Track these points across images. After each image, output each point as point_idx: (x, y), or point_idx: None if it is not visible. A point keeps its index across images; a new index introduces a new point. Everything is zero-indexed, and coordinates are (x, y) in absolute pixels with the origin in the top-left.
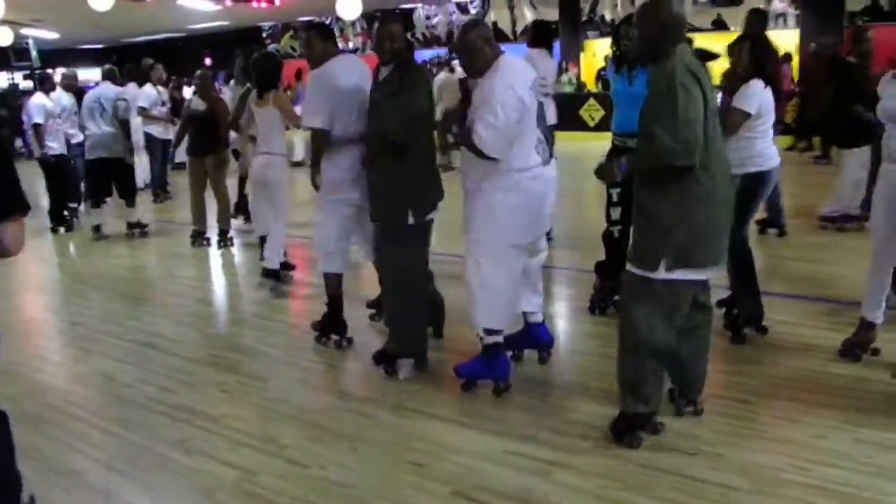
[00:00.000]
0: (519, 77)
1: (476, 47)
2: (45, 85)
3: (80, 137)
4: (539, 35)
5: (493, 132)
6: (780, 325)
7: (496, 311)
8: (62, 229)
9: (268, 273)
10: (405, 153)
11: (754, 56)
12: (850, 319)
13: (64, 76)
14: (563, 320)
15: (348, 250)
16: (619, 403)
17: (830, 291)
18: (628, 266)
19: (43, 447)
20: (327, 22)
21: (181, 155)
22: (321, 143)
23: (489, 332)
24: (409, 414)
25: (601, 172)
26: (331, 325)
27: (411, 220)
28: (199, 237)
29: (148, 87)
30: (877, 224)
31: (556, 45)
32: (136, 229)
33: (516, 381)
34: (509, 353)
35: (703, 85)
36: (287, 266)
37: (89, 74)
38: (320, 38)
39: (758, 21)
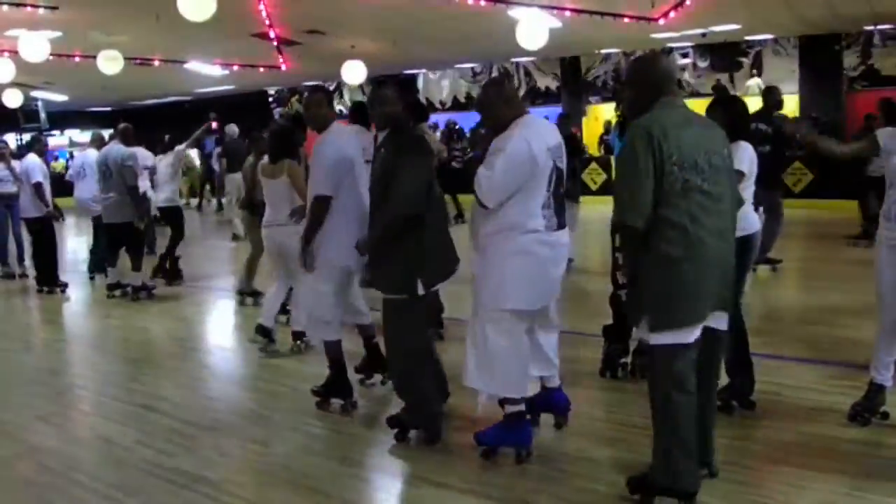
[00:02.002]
0: (537, 136)
1: (492, 104)
2: (35, 146)
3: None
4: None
5: (491, 180)
6: (790, 389)
7: (500, 377)
8: (45, 289)
9: (296, 335)
10: (415, 221)
11: (728, 119)
12: (863, 383)
13: (92, 138)
14: (571, 385)
15: (341, 316)
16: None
17: (845, 355)
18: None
19: None
20: (332, 86)
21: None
22: (323, 211)
23: (509, 400)
24: (412, 481)
25: None
26: (334, 389)
27: (421, 291)
28: (245, 297)
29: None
30: (883, 284)
31: (559, 109)
32: (143, 292)
33: None
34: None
35: (669, 141)
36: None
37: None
38: (327, 102)
39: (723, 91)
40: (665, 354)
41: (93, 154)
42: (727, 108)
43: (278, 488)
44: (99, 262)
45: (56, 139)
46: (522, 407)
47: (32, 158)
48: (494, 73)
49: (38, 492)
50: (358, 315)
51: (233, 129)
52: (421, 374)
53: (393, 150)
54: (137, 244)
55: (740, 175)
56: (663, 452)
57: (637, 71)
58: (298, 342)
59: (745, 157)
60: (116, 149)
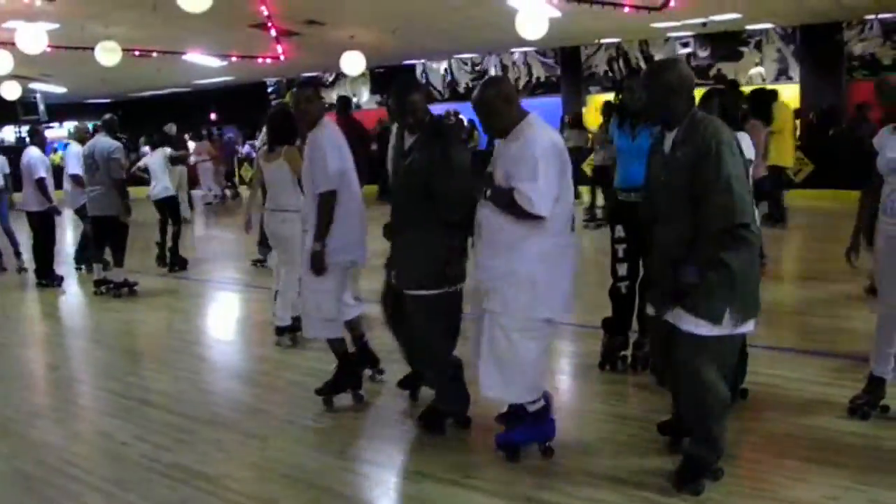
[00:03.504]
0: (554, 133)
1: (493, 107)
2: (35, 138)
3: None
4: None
5: (538, 189)
6: (790, 381)
7: (528, 383)
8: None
9: (280, 331)
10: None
11: (725, 110)
12: (863, 376)
13: (76, 129)
14: (570, 378)
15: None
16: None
17: (847, 347)
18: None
19: None
20: (331, 77)
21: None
22: (332, 206)
23: (531, 400)
24: (412, 475)
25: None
26: (343, 384)
27: (452, 288)
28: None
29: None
30: (883, 275)
31: (558, 100)
32: (124, 288)
33: None
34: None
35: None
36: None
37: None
38: (318, 97)
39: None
40: (734, 342)
41: (76, 146)
42: (726, 99)
43: (277, 483)
44: (81, 253)
45: (55, 131)
46: (544, 402)
47: (34, 152)
48: (487, 65)
49: (35, 487)
50: (346, 308)
51: (171, 127)
52: (449, 365)
53: (431, 152)
54: (120, 239)
55: (750, 163)
56: (712, 432)
57: (656, 77)
58: (284, 337)
59: (751, 145)
60: (103, 141)
